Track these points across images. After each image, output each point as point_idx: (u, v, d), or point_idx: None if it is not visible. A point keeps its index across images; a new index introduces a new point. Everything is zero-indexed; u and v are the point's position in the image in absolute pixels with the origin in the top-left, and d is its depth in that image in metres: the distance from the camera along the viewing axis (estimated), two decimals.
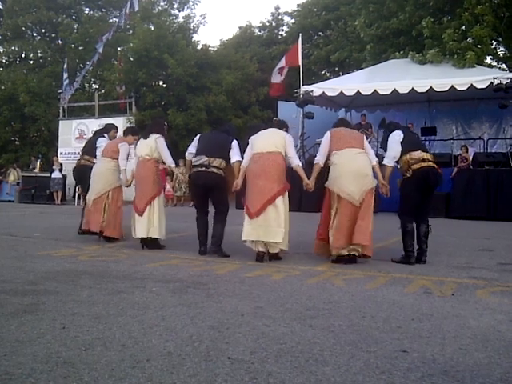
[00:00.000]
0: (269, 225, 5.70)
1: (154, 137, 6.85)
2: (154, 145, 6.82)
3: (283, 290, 4.45)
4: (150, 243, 6.82)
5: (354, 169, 5.71)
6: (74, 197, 18.34)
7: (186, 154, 6.65)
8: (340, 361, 2.74)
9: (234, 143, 6.33)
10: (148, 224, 6.70)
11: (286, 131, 6.26)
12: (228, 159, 6.29)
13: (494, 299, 4.23)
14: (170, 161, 6.90)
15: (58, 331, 3.18)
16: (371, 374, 2.57)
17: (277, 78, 17.92)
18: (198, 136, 6.60)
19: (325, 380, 2.49)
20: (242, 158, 6.20)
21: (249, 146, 6.12)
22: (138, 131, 7.89)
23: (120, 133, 8.60)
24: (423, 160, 5.85)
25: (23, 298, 4.01)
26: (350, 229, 5.63)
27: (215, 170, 6.20)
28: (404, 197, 5.98)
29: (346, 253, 5.74)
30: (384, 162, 6.07)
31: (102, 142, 8.13)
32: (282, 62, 17.51)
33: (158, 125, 7.23)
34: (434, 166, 5.91)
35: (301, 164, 6.17)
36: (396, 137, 6.00)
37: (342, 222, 5.66)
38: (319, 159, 6.05)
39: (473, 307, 3.95)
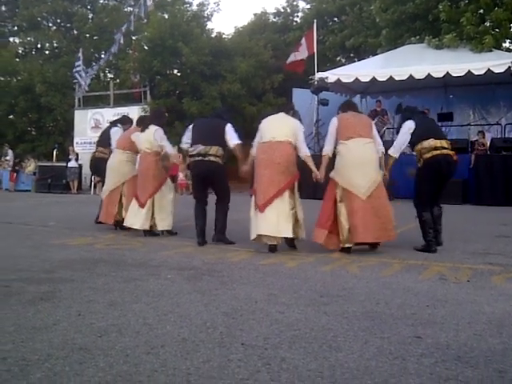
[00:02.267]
0: (277, 219, 5.52)
1: (152, 129, 6.85)
2: (152, 137, 6.83)
3: (297, 277, 4.45)
4: (149, 233, 6.92)
5: (362, 161, 5.56)
6: (90, 186, 18.50)
7: (181, 145, 6.56)
8: (353, 347, 2.74)
9: (228, 127, 6.20)
10: (149, 216, 6.80)
11: (294, 115, 6.09)
12: (224, 145, 6.18)
13: (509, 285, 4.20)
14: (170, 150, 6.89)
15: (74, 318, 3.22)
16: (384, 359, 2.57)
17: (294, 57, 17.57)
18: (190, 126, 6.47)
19: (338, 366, 2.49)
20: (240, 140, 6.18)
21: (258, 134, 5.97)
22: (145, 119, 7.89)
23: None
24: (435, 148, 5.71)
25: (39, 286, 4.06)
26: (363, 224, 5.45)
27: (212, 159, 6.09)
28: (418, 186, 5.91)
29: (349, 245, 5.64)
30: (389, 152, 6.01)
31: (116, 133, 8.14)
32: (305, 50, 17.15)
33: (156, 116, 7.22)
34: (449, 153, 5.76)
35: (309, 153, 5.94)
36: (406, 128, 5.93)
37: (351, 216, 5.50)
38: (328, 150, 5.85)
39: (488, 293, 3.92)
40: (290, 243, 5.90)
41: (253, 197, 5.84)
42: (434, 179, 5.82)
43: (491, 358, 2.61)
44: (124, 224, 7.07)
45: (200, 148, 6.10)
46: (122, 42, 21.13)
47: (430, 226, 5.78)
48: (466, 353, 2.67)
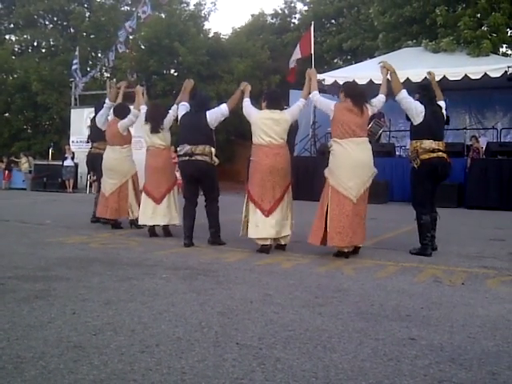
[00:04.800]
0: (279, 221, 5.65)
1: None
2: (166, 134, 6.77)
3: (292, 278, 4.45)
4: (165, 230, 6.89)
5: (356, 163, 5.38)
6: (86, 185, 18.46)
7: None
8: (348, 348, 2.75)
9: (209, 115, 6.07)
10: (168, 213, 6.73)
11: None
12: (212, 143, 6.10)
13: (503, 288, 4.21)
14: (177, 101, 6.72)
15: (69, 316, 3.21)
16: (379, 360, 2.58)
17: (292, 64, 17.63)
18: (181, 116, 6.31)
19: (332, 366, 2.49)
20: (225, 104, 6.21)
21: (255, 112, 5.87)
22: (124, 106, 7.83)
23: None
24: (432, 150, 5.63)
25: (34, 283, 4.05)
26: (352, 227, 5.33)
27: (199, 158, 6.00)
28: (415, 187, 5.81)
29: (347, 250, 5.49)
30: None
31: (101, 117, 8.06)
32: (297, 53, 17.21)
33: (157, 111, 6.90)
34: (444, 156, 5.70)
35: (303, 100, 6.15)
36: (417, 109, 5.78)
37: (338, 218, 5.32)
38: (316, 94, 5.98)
39: (482, 296, 3.94)
40: (281, 246, 5.89)
41: (247, 195, 5.78)
42: (429, 180, 5.76)
43: (485, 360, 2.62)
44: (140, 223, 6.94)
45: (186, 148, 6.04)
46: (121, 40, 21.01)
47: (428, 230, 5.70)
48: (460, 355, 2.68)
